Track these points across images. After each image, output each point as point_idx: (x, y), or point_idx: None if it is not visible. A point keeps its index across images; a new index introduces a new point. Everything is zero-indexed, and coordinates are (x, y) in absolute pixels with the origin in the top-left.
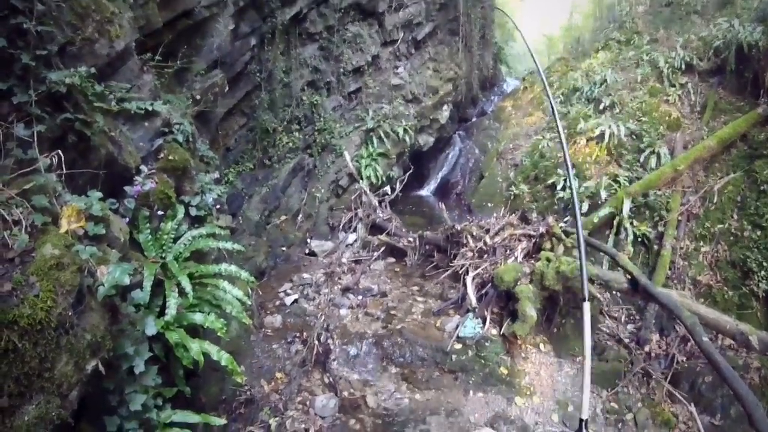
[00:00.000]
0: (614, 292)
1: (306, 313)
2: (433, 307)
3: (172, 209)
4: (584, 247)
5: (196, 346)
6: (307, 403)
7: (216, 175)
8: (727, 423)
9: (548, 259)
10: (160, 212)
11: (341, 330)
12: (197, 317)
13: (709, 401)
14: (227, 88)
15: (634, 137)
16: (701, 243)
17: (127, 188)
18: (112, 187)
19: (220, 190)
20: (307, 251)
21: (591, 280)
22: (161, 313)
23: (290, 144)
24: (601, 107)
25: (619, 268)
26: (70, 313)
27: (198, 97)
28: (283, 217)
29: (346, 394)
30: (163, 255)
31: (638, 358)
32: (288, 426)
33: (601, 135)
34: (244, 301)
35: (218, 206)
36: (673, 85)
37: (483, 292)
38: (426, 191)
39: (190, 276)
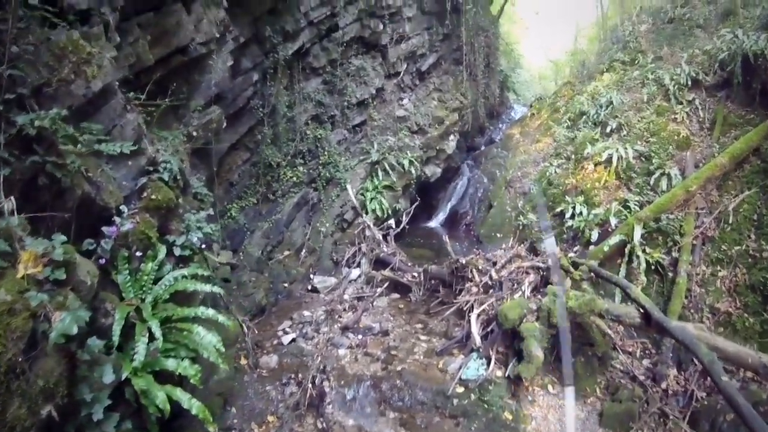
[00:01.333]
0: (617, 325)
1: (303, 353)
2: (436, 347)
3: (153, 249)
4: (565, 326)
5: (161, 395)
6: None
7: (209, 212)
8: None
9: (555, 295)
10: (139, 253)
11: (338, 371)
12: (170, 363)
13: None
14: (225, 124)
15: (643, 159)
16: (718, 267)
17: (104, 229)
18: (91, 228)
19: (211, 228)
20: (309, 287)
21: (601, 316)
22: None
23: (294, 178)
24: (608, 130)
25: (630, 302)
26: (20, 359)
27: (194, 133)
28: (286, 252)
29: None
30: (143, 297)
31: (654, 396)
32: None
33: (609, 159)
34: (218, 348)
35: (204, 245)
36: (680, 103)
37: (489, 329)
38: (435, 223)
39: (167, 319)
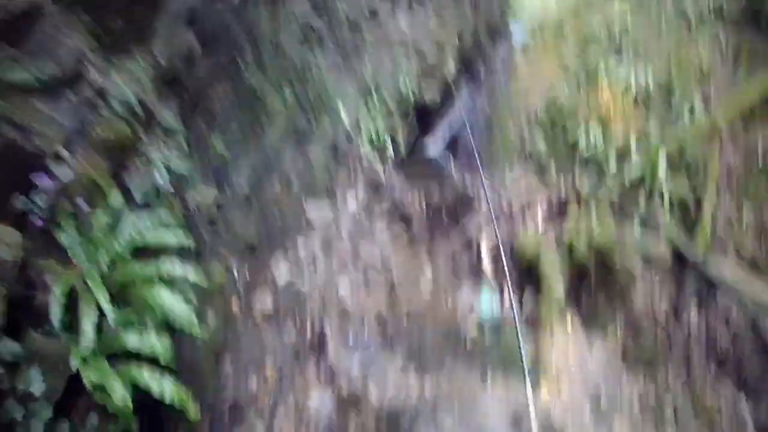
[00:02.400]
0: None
1: (300, 293)
2: (443, 280)
3: (106, 198)
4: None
5: (119, 389)
6: (300, 403)
7: (183, 147)
8: None
9: (578, 227)
10: (86, 205)
11: (339, 312)
12: (131, 340)
13: (756, 393)
14: (201, 50)
15: (664, 89)
16: (744, 208)
17: (36, 180)
18: (27, 184)
19: (185, 165)
20: (303, 220)
21: (628, 251)
22: None
23: (282, 106)
24: (624, 57)
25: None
26: None
27: (162, 60)
28: (276, 185)
29: (344, 389)
30: (98, 258)
31: (677, 338)
32: None
33: (627, 87)
34: (188, 314)
35: (171, 190)
36: (703, 33)
37: (500, 261)
38: (433, 150)
39: (127, 284)
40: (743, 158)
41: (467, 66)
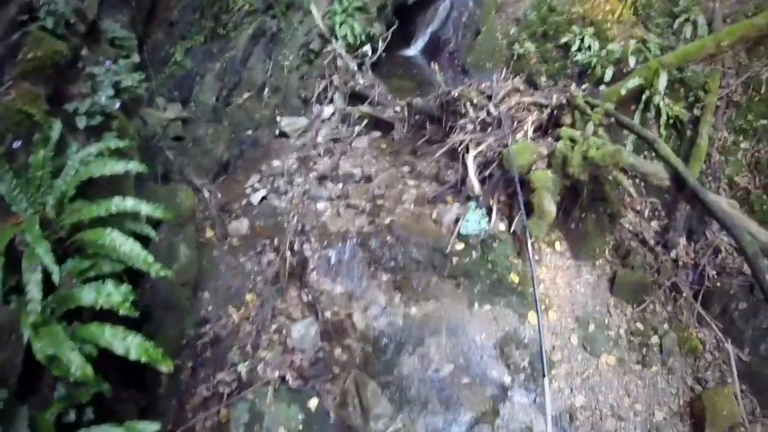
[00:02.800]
0: (637, 180)
1: (277, 212)
2: (427, 193)
3: (42, 130)
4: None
5: (76, 358)
6: (284, 332)
7: (133, 59)
8: (755, 360)
9: (573, 140)
10: (17, 142)
11: (319, 230)
12: (86, 295)
13: (740, 332)
14: None
15: None
16: (741, 137)
17: None
18: None
19: (137, 80)
20: (277, 132)
21: (624, 170)
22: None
23: (246, 6)
24: None
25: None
26: None
27: None
28: (246, 95)
29: (328, 314)
30: (43, 201)
31: (665, 266)
32: (260, 371)
33: None
34: (142, 255)
35: (122, 111)
36: None
37: (487, 173)
38: (414, 50)
39: (77, 227)
40: (744, 85)
41: None
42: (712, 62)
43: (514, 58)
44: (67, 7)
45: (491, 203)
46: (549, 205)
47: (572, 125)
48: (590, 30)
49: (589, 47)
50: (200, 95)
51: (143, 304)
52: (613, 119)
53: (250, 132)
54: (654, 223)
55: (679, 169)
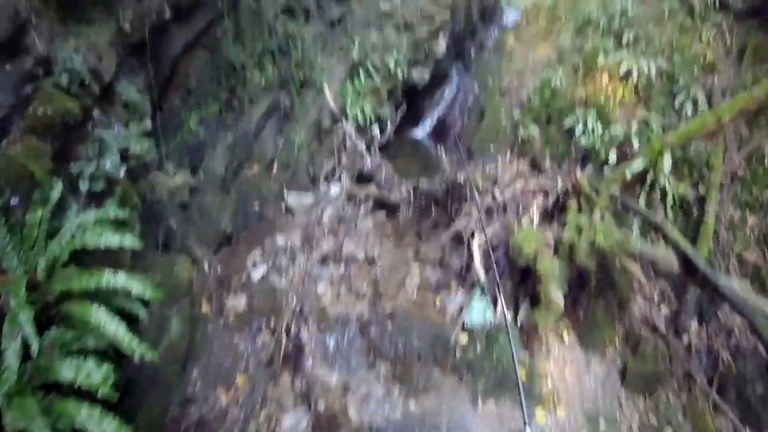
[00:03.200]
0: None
1: (276, 291)
2: (431, 278)
3: (42, 189)
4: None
5: None
6: (273, 421)
7: (145, 124)
8: None
9: (579, 227)
10: (15, 198)
11: (318, 313)
12: (65, 371)
13: (758, 417)
14: (170, 15)
15: (665, 78)
16: (747, 212)
17: None
18: None
19: (147, 146)
20: (283, 207)
21: (632, 256)
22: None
23: (263, 81)
24: (623, 41)
25: (665, 243)
26: None
27: (126, 27)
28: (255, 168)
29: (322, 405)
30: (36, 263)
31: (678, 353)
32: None
33: (628, 73)
34: (127, 338)
35: (126, 177)
36: (706, 23)
37: (493, 260)
38: (421, 132)
39: (65, 296)
40: (747, 159)
41: (458, 44)
42: (714, 138)
43: (519, 141)
44: (83, 65)
45: (497, 292)
46: (556, 295)
47: (578, 211)
48: (593, 113)
49: (593, 130)
50: (210, 164)
51: (127, 377)
52: (619, 204)
53: (256, 205)
54: (664, 308)
55: (689, 253)
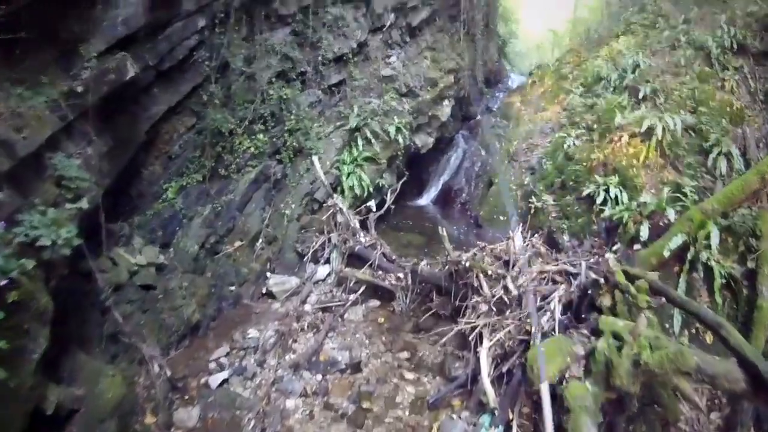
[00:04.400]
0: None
1: (237, 404)
2: (428, 392)
3: None
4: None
5: None
6: None
7: (81, 205)
8: None
9: (617, 337)
10: None
11: None
12: None
13: None
14: (130, 73)
15: (692, 133)
16: None
17: None
18: None
19: (58, 234)
20: (263, 290)
21: (686, 373)
22: None
23: (252, 149)
24: (639, 96)
25: (727, 348)
26: None
27: (79, 88)
28: (237, 243)
29: None
30: None
31: None
32: None
33: (650, 130)
34: None
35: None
36: (726, 69)
37: (505, 369)
38: (425, 200)
39: None
40: None
41: (463, 108)
42: (757, 200)
43: (531, 212)
44: None
45: (510, 418)
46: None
47: (612, 308)
48: (614, 179)
49: (617, 199)
50: (183, 241)
51: None
52: (663, 299)
53: (233, 288)
54: (714, 416)
55: (759, 365)
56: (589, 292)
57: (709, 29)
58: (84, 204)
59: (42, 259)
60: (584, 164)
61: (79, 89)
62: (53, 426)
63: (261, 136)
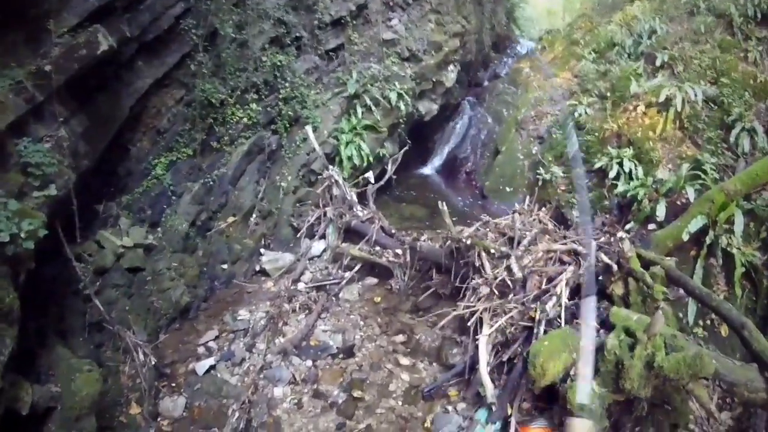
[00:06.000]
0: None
1: (224, 392)
2: (424, 379)
3: None
4: None
5: None
6: None
7: (49, 192)
8: None
9: (629, 333)
10: None
11: (270, 429)
12: None
13: None
14: (102, 47)
15: (713, 106)
16: None
17: None
18: None
19: (20, 226)
20: (256, 268)
21: (704, 378)
22: None
23: (245, 119)
24: (657, 64)
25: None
26: None
27: (48, 68)
28: (230, 219)
29: None
30: None
31: None
32: None
33: (668, 101)
34: None
35: None
36: (749, 39)
37: (506, 357)
38: (430, 169)
39: None
40: None
41: (470, 74)
42: None
43: (539, 183)
44: None
45: (509, 411)
46: None
47: (624, 297)
48: (629, 152)
49: (631, 174)
50: (172, 219)
51: None
52: (680, 290)
53: (225, 266)
54: (725, 416)
55: None
56: (599, 275)
57: None
58: (53, 191)
59: (5, 255)
60: (596, 134)
61: (48, 68)
62: (30, 424)
63: (254, 105)
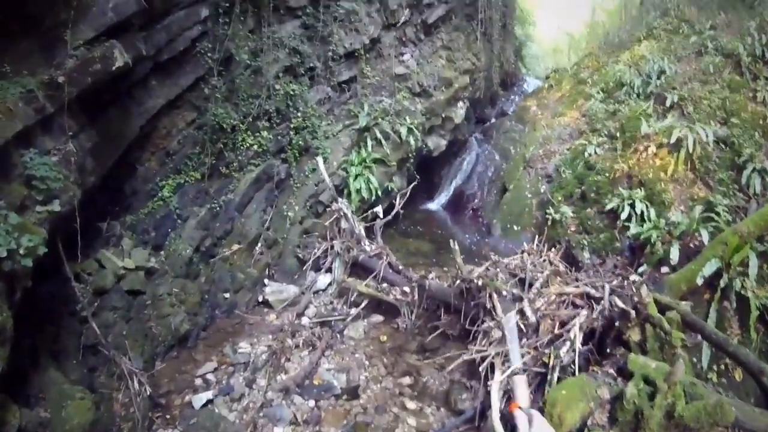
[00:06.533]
0: None
1: (220, 429)
2: (431, 424)
3: None
4: None
5: None
6: None
7: (53, 207)
8: None
9: (648, 381)
10: None
11: None
12: None
13: None
14: (118, 63)
15: (723, 146)
16: None
17: None
18: None
19: (20, 242)
20: (259, 298)
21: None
22: None
23: (256, 146)
24: (667, 104)
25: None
26: None
27: (60, 79)
28: (235, 247)
29: None
30: None
31: None
32: None
33: (678, 142)
34: None
35: None
36: (758, 78)
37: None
38: (436, 205)
39: None
40: None
41: (478, 111)
42: None
43: (548, 222)
44: None
45: None
46: None
47: (641, 344)
48: (640, 193)
49: (643, 216)
50: (176, 243)
51: None
52: (697, 335)
53: (227, 295)
54: None
55: None
56: (614, 320)
57: (738, 36)
58: (56, 206)
59: (1, 271)
60: (607, 175)
61: (61, 79)
62: None
63: (265, 133)
